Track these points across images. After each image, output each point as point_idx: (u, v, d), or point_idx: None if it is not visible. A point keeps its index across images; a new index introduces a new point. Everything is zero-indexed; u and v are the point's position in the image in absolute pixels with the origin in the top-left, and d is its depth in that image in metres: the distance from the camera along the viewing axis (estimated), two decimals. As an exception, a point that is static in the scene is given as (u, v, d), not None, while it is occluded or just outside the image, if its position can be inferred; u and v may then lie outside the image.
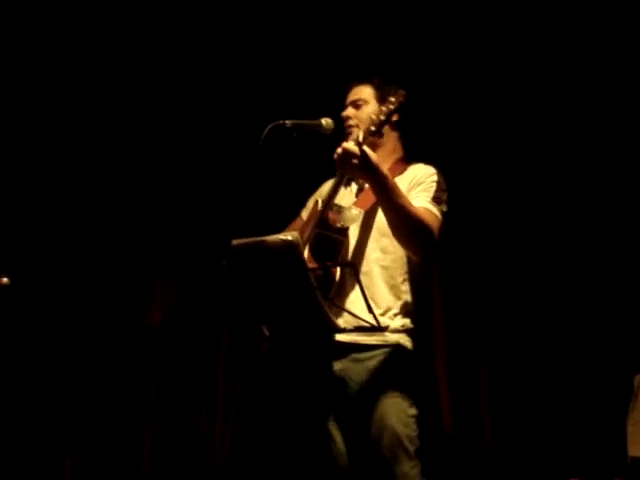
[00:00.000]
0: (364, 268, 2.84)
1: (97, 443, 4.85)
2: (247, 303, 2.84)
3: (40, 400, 4.87)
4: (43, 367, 4.91)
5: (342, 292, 2.80)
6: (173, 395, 4.91)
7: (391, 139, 3.02)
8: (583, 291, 4.18)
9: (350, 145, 2.61)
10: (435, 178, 2.90)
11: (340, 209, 2.90)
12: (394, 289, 2.84)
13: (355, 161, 2.59)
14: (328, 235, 2.83)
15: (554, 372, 4.15)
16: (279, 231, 2.56)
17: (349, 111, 3.01)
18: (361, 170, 2.62)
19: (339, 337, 2.78)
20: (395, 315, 2.82)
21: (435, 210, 2.80)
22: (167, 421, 4.88)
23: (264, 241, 2.53)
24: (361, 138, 2.60)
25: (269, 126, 2.69)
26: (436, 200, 2.83)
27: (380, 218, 2.83)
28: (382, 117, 2.66)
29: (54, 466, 4.82)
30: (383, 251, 2.86)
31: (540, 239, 4.35)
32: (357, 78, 3.09)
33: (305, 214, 3.13)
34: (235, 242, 2.59)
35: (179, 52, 4.83)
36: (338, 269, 2.75)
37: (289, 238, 2.48)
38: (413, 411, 2.75)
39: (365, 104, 3.00)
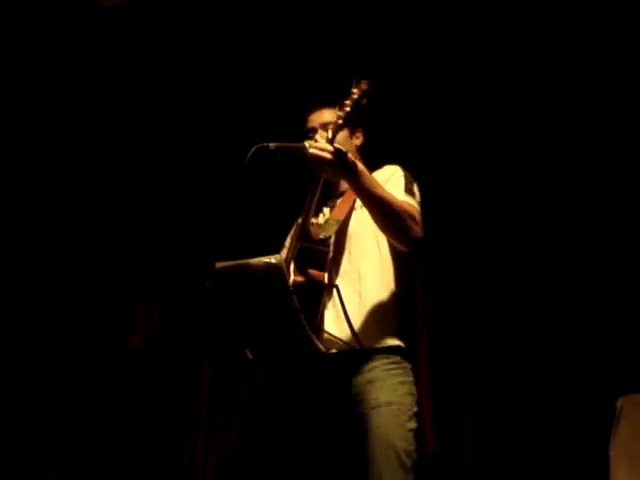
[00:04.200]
0: (352, 274, 2.85)
1: (78, 468, 4.81)
2: (230, 325, 2.83)
3: (21, 421, 4.84)
4: (23, 389, 4.87)
5: (332, 307, 2.81)
6: (155, 418, 4.87)
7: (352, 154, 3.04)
8: (566, 316, 4.18)
9: (322, 142, 2.63)
10: (400, 172, 2.93)
11: (318, 224, 2.91)
12: (385, 288, 2.85)
13: (328, 156, 2.59)
14: (311, 247, 2.84)
15: (537, 396, 4.14)
16: (263, 253, 2.56)
17: (322, 133, 2.94)
18: (335, 165, 2.61)
19: (335, 346, 2.77)
20: (391, 317, 2.82)
21: (411, 200, 2.82)
22: (149, 444, 4.84)
23: (248, 264, 2.53)
24: (330, 134, 2.62)
25: (253, 148, 2.70)
26: (409, 192, 2.84)
27: (357, 223, 2.89)
28: (347, 109, 2.67)
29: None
30: (367, 253, 2.87)
31: (521, 260, 4.35)
32: (312, 103, 3.10)
33: (287, 240, 3.16)
34: (219, 264, 2.59)
35: (160, 75, 4.84)
36: (326, 278, 2.76)
37: (273, 261, 2.49)
38: (412, 424, 2.73)
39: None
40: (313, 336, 2.62)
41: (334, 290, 2.74)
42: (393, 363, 2.78)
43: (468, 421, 4.27)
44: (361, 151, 3.11)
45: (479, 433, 4.23)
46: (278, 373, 2.88)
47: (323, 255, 2.83)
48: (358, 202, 2.90)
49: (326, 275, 2.80)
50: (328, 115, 3.00)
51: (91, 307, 5.02)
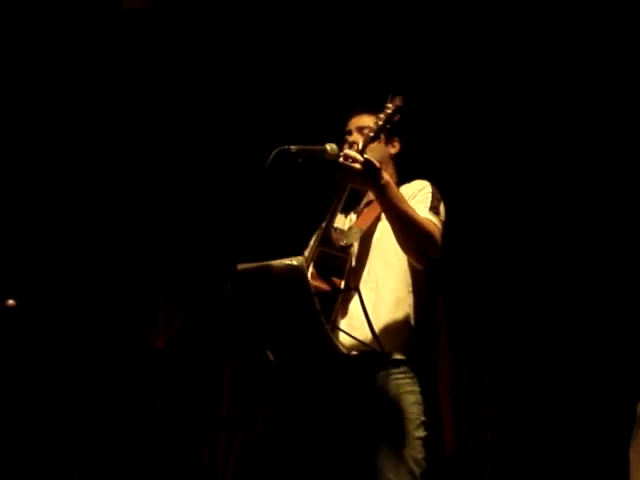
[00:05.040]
0: (370, 284, 2.86)
1: (100, 469, 4.84)
2: (251, 327, 2.85)
3: (44, 423, 4.87)
4: (47, 390, 4.91)
5: (346, 312, 2.83)
6: (176, 420, 4.90)
7: (389, 167, 3.05)
8: (588, 317, 4.17)
9: (352, 151, 2.64)
10: (429, 189, 2.93)
11: (342, 230, 2.93)
12: (399, 302, 2.86)
13: (358, 166, 2.60)
14: (332, 253, 2.85)
15: (557, 398, 4.14)
16: (284, 256, 2.57)
17: (355, 136, 3.03)
18: (364, 176, 2.63)
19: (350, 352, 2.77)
20: (400, 331, 2.83)
21: (435, 219, 2.82)
22: (170, 446, 4.87)
23: (269, 266, 2.54)
24: (361, 145, 2.63)
25: (274, 151, 2.71)
26: (434, 210, 2.85)
27: (381, 234, 2.89)
28: (380, 122, 2.68)
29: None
30: (386, 266, 2.88)
31: (540, 266, 4.34)
32: (358, 107, 3.12)
33: None
34: (240, 266, 2.60)
35: (184, 79, 4.87)
36: (342, 285, 2.77)
37: (294, 263, 2.49)
38: (420, 433, 2.75)
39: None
40: (334, 338, 2.63)
41: (354, 294, 2.76)
42: (401, 373, 2.80)
43: (487, 423, 4.27)
44: (395, 159, 3.11)
45: (498, 434, 4.23)
46: (295, 373, 2.89)
47: (342, 262, 2.84)
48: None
49: (343, 282, 2.82)
50: (367, 120, 3.00)
51: (114, 309, 5.06)
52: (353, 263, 2.90)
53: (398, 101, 2.74)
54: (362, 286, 2.85)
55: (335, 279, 2.81)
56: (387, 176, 2.69)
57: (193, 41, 4.74)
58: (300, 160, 2.76)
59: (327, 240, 2.88)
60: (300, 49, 4.64)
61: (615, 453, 3.67)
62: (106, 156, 5.09)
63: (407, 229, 2.72)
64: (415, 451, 2.72)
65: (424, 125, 4.34)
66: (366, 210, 3.03)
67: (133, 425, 4.89)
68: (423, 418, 2.79)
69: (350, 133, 3.06)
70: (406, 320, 2.85)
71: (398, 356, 2.81)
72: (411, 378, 2.82)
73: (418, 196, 2.90)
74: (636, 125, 4.18)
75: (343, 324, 2.81)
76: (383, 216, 2.89)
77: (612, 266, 4.19)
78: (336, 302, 2.78)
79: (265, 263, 2.56)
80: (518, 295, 4.34)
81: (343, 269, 2.83)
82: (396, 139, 3.09)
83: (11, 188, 4.94)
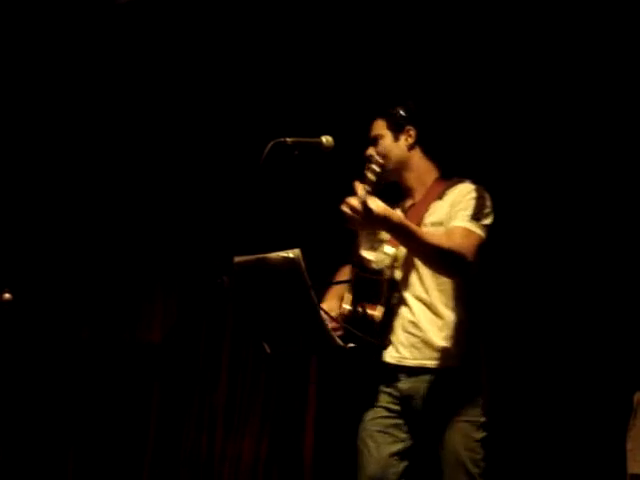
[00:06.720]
0: (422, 294, 2.90)
1: (96, 462, 4.85)
2: (248, 320, 2.85)
3: (40, 417, 4.87)
4: (43, 384, 4.91)
5: (403, 322, 2.91)
6: (174, 412, 4.91)
7: (416, 159, 3.02)
8: (584, 312, 4.18)
9: (354, 200, 2.60)
10: (473, 195, 2.87)
11: (374, 248, 2.96)
12: (452, 310, 2.89)
13: (357, 216, 2.59)
14: (366, 277, 2.89)
15: (554, 390, 4.14)
16: (281, 248, 2.57)
17: (370, 150, 3.02)
18: (369, 224, 2.64)
19: (407, 361, 2.88)
20: (454, 338, 2.88)
21: (474, 227, 2.79)
22: (168, 439, 4.88)
23: (266, 258, 2.54)
24: (362, 194, 2.57)
25: (270, 144, 2.71)
26: (475, 217, 2.82)
27: None
28: (374, 169, 2.66)
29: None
30: (434, 275, 2.89)
31: (532, 256, 4.34)
32: (375, 113, 3.10)
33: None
34: (237, 259, 2.61)
35: (179, 71, 4.85)
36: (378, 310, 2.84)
37: (290, 255, 2.49)
38: (480, 434, 2.83)
39: (381, 138, 3.00)
40: (331, 330, 2.64)
41: (406, 310, 2.87)
42: (461, 378, 2.87)
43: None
44: (421, 143, 3.02)
45: (495, 431, 4.23)
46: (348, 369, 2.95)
47: (378, 285, 2.89)
48: (426, 219, 2.93)
49: (379, 308, 2.86)
50: (380, 126, 3.02)
51: (111, 303, 5.05)
52: (401, 274, 2.94)
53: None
54: (414, 295, 2.91)
55: (373, 302, 2.87)
56: (397, 217, 2.64)
57: (188, 34, 4.72)
58: (296, 152, 2.76)
59: (360, 263, 2.91)
60: (294, 40, 4.62)
61: (612, 444, 3.68)
62: (101, 148, 5.08)
63: (430, 259, 2.74)
64: (473, 453, 2.81)
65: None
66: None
67: (130, 418, 4.90)
68: (483, 419, 2.87)
69: (372, 140, 3.05)
70: (459, 327, 2.89)
71: (453, 363, 2.88)
72: (469, 383, 2.89)
73: (461, 203, 2.86)
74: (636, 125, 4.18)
75: (402, 336, 2.90)
76: (426, 221, 2.90)
77: (607, 255, 4.19)
78: (392, 314, 2.88)
79: (262, 255, 2.56)
80: (512, 285, 4.33)
81: (381, 291, 2.89)
82: (408, 128, 3.01)
83: (5, 182, 4.93)
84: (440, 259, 2.71)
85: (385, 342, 2.92)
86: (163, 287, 5.07)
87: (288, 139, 2.75)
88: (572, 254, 4.24)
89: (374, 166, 2.67)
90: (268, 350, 2.80)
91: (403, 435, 2.90)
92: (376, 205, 2.55)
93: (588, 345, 4.12)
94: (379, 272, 2.90)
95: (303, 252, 2.50)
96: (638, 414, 3.57)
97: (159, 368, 4.96)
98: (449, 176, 3.05)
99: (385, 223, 2.60)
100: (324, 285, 3.02)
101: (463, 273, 2.78)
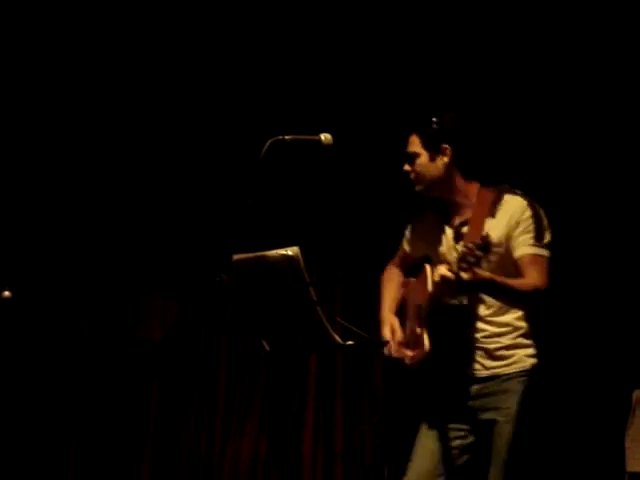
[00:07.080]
0: (490, 302, 2.90)
1: (97, 459, 4.85)
2: (248, 317, 2.85)
3: (40, 415, 4.87)
4: (43, 382, 4.91)
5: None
6: (173, 409, 4.91)
7: (455, 175, 2.97)
8: (584, 310, 4.18)
9: (449, 273, 2.60)
10: (528, 213, 2.85)
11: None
12: (514, 321, 2.92)
13: (452, 287, 2.66)
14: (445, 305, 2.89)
15: (553, 386, 4.14)
16: (280, 246, 2.57)
17: (406, 167, 2.98)
18: (462, 292, 2.79)
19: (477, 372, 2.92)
20: (521, 343, 2.95)
21: (540, 251, 2.81)
22: (167, 438, 4.88)
23: (265, 256, 2.55)
24: (450, 275, 2.59)
25: (269, 141, 2.71)
26: (537, 238, 2.82)
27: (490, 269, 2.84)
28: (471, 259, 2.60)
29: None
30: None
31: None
32: (410, 127, 3.04)
33: (407, 246, 3.16)
34: (236, 257, 2.61)
35: (179, 71, 4.85)
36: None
37: (289, 253, 2.50)
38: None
39: (418, 157, 2.95)
40: (330, 328, 2.63)
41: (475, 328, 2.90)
42: (523, 379, 2.95)
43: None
44: (457, 162, 2.94)
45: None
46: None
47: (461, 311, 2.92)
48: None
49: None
50: (416, 144, 2.96)
51: (110, 301, 5.05)
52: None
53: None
54: (483, 305, 2.92)
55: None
56: (484, 274, 2.69)
57: (187, 33, 4.72)
58: (294, 150, 2.76)
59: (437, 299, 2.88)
60: (294, 40, 4.63)
61: (611, 442, 3.69)
62: (99, 147, 5.07)
63: (516, 303, 2.86)
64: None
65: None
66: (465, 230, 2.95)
67: (129, 416, 4.89)
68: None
69: (408, 157, 3.01)
70: (519, 333, 2.94)
71: (522, 365, 2.96)
72: (529, 386, 2.98)
73: (522, 226, 2.84)
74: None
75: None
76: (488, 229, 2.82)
77: (607, 255, 4.19)
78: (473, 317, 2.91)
79: (261, 254, 2.56)
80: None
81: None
82: (444, 147, 2.93)
83: (5, 182, 4.92)
84: (524, 300, 2.85)
85: (383, 340, 2.92)
86: (163, 286, 5.07)
87: (287, 136, 2.75)
88: (572, 254, 4.24)
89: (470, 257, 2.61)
90: (267, 348, 2.80)
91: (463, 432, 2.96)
92: (467, 274, 2.59)
93: (588, 344, 4.13)
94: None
95: (302, 250, 2.50)
96: (637, 412, 3.58)
97: (158, 366, 4.96)
98: (487, 181, 3.01)
99: (476, 287, 2.74)
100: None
101: (540, 300, 2.86)
